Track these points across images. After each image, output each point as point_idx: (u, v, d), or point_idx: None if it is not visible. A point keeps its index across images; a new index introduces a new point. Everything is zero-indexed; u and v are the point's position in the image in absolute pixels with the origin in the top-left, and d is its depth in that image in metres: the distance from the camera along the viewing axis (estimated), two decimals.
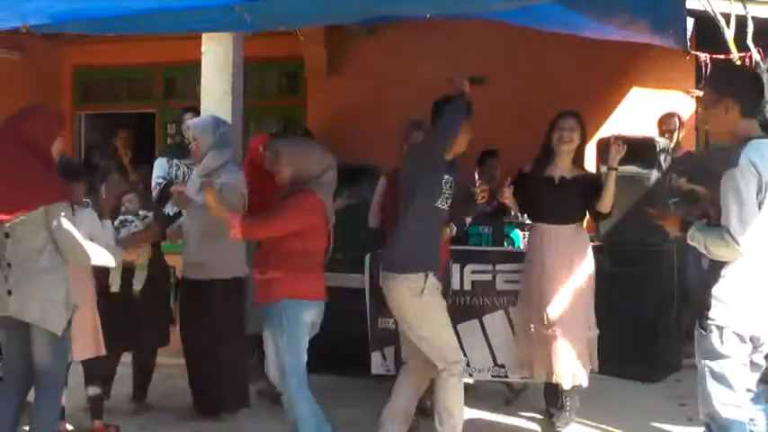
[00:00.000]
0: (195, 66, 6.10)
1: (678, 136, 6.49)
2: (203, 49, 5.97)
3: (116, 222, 4.79)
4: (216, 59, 5.92)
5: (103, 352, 4.50)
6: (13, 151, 3.70)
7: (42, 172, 3.71)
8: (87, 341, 4.40)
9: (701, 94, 6.98)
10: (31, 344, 3.74)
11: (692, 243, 3.29)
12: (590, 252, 4.76)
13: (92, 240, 3.98)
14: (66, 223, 3.71)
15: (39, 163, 3.71)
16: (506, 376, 5.26)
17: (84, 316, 4.24)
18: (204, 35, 5.93)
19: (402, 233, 4.16)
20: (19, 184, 3.65)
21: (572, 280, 4.64)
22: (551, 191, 4.71)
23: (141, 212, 4.88)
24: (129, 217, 4.82)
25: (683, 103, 7.22)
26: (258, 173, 4.60)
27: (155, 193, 6.13)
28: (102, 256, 3.98)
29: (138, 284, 4.79)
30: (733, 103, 3.23)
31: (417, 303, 4.09)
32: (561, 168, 4.74)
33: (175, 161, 6.32)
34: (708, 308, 3.17)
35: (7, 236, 3.67)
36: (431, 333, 4.13)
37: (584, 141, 4.76)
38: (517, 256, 5.29)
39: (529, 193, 4.77)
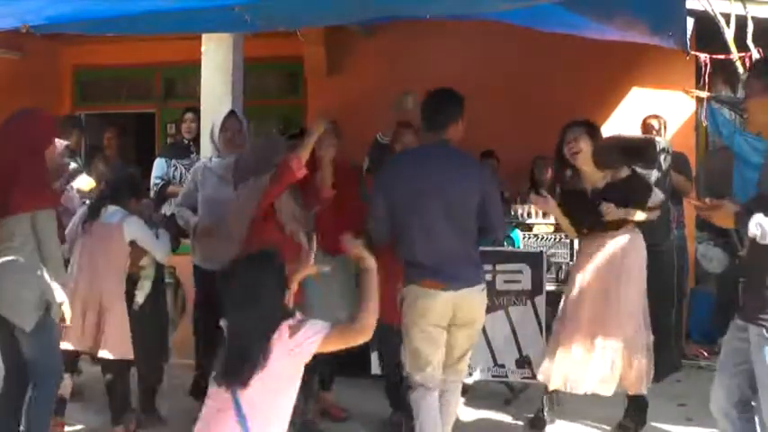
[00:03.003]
0: (195, 66, 6.10)
1: (662, 137, 6.49)
2: (203, 49, 5.97)
3: None
4: (216, 59, 5.92)
5: (131, 356, 4.52)
6: (7, 153, 3.74)
7: (33, 176, 3.75)
8: (120, 341, 4.47)
9: (701, 93, 7.00)
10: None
11: (753, 231, 3.07)
12: (636, 258, 4.53)
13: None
14: (50, 231, 3.80)
15: (31, 167, 3.75)
16: (506, 376, 5.26)
17: (117, 316, 4.39)
18: (204, 35, 5.93)
19: (476, 242, 4.03)
20: (8, 186, 3.69)
21: (613, 288, 4.48)
22: (588, 204, 4.54)
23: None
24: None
25: (682, 103, 7.22)
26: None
27: (152, 194, 6.13)
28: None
29: (140, 297, 4.66)
30: None
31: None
32: (591, 179, 4.57)
33: (174, 161, 6.31)
34: None
35: None
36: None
37: (602, 148, 4.56)
38: (517, 257, 5.29)
39: (571, 207, 4.62)
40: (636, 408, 4.67)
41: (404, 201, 3.89)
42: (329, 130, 4.76)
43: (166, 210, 6.07)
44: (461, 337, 3.96)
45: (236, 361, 2.61)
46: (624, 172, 4.57)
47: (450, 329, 3.92)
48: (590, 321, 4.50)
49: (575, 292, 4.58)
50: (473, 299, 3.89)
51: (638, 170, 5.46)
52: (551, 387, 4.63)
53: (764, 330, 3.12)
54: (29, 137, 3.82)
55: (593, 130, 4.56)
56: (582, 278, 4.57)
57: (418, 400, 3.94)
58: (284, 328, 2.66)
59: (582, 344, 4.49)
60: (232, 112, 5.22)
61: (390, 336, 4.20)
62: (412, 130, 4.85)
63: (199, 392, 5.16)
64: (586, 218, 4.56)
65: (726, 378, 3.43)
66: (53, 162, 4.04)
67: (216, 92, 5.91)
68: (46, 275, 3.80)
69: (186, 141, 6.46)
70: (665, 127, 6.63)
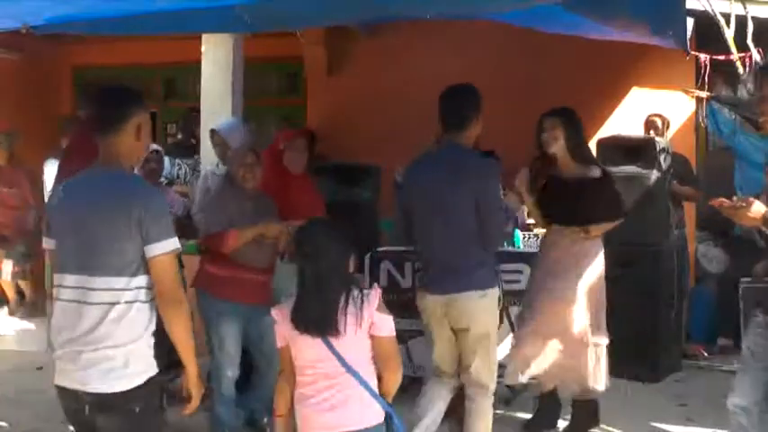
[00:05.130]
0: (195, 66, 6.10)
1: (665, 136, 6.51)
2: (203, 49, 5.98)
3: None
4: (216, 59, 5.94)
5: None
6: (80, 159, 3.62)
7: None
8: None
9: (701, 93, 7.02)
10: None
11: None
12: (594, 256, 4.44)
13: None
14: None
15: None
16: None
17: None
18: (204, 36, 5.95)
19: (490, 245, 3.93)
20: None
21: (567, 283, 4.39)
22: (554, 191, 4.52)
23: None
24: None
25: (682, 103, 7.22)
26: (275, 167, 4.63)
27: None
28: None
29: None
30: None
31: (497, 315, 4.01)
32: (565, 168, 4.49)
33: (177, 160, 6.32)
34: None
35: None
36: (495, 344, 4.05)
37: (577, 136, 4.47)
38: (517, 257, 5.29)
39: (547, 194, 4.57)
40: (580, 413, 4.62)
41: (412, 204, 3.98)
42: (299, 146, 4.75)
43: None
44: (464, 343, 3.93)
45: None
46: (595, 172, 4.45)
47: (456, 333, 3.95)
48: (540, 320, 4.43)
49: (531, 290, 4.57)
50: (464, 304, 3.84)
51: (640, 170, 5.47)
52: (507, 382, 4.67)
53: None
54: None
55: (569, 119, 4.48)
56: (536, 276, 4.57)
57: (426, 388, 4.07)
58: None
59: (533, 342, 4.44)
60: (212, 131, 5.28)
61: None
62: None
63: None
64: (555, 206, 4.50)
65: (749, 375, 3.43)
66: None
67: (216, 92, 5.93)
68: None
69: (194, 141, 6.48)
70: (667, 126, 6.64)
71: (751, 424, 3.37)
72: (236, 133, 5.07)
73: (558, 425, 4.80)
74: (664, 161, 5.91)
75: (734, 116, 7.35)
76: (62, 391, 2.73)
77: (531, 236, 6.11)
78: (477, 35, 6.78)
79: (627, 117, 7.20)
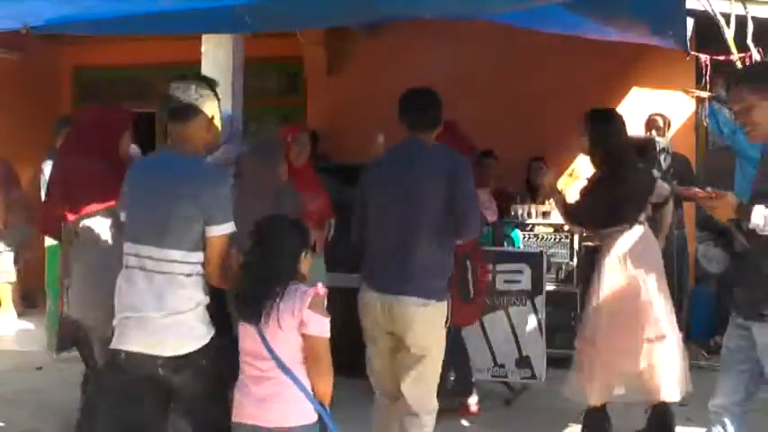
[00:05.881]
0: (195, 66, 6.10)
1: (666, 136, 6.51)
2: (203, 49, 5.97)
3: None
4: (216, 59, 5.93)
5: None
6: (79, 154, 3.79)
7: (103, 173, 3.73)
8: None
9: (701, 93, 7.01)
10: None
11: (756, 221, 3.02)
12: (651, 253, 4.31)
13: None
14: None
15: (100, 164, 3.76)
16: (506, 376, 5.27)
17: None
18: (204, 36, 5.94)
19: (445, 254, 3.66)
20: (85, 185, 3.74)
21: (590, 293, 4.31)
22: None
23: None
24: None
25: (683, 103, 7.22)
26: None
27: None
28: None
29: None
30: None
31: (442, 334, 3.69)
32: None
33: None
34: None
35: (77, 235, 3.78)
36: (437, 368, 3.73)
37: (598, 140, 4.35)
38: (517, 257, 5.29)
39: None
40: (658, 420, 4.36)
41: (371, 199, 3.78)
42: (304, 141, 4.87)
43: None
44: (400, 357, 3.66)
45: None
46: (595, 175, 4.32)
47: (397, 340, 3.65)
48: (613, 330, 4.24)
49: (594, 304, 4.32)
50: (402, 310, 3.54)
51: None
52: (594, 402, 4.36)
53: None
54: (94, 134, 3.85)
55: (594, 118, 4.37)
56: (599, 288, 4.30)
57: (375, 408, 3.92)
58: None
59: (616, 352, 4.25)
60: None
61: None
62: None
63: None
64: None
65: (730, 377, 3.44)
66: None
67: None
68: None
69: None
70: (668, 126, 6.65)
71: (733, 424, 3.38)
72: (223, 129, 5.05)
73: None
74: (664, 161, 5.91)
75: (734, 116, 7.37)
76: (129, 355, 2.95)
77: (531, 236, 6.12)
78: (476, 35, 6.78)
79: (627, 117, 7.15)
